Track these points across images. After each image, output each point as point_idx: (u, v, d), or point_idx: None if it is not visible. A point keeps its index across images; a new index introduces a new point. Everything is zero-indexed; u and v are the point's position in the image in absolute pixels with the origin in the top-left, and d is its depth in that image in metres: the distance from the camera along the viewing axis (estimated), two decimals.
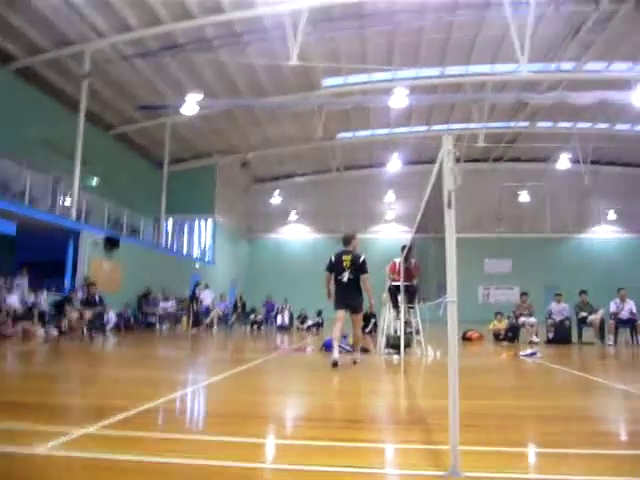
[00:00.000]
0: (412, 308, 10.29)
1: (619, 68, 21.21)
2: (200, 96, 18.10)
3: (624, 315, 12.95)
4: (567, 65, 21.34)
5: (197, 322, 19.26)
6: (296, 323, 20.86)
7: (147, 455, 2.94)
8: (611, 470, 2.82)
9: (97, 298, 13.38)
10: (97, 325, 13.75)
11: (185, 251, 28.82)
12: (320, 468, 2.79)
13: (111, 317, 16.13)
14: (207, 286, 20.86)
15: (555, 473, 2.83)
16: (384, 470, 2.87)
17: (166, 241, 26.80)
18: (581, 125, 27.95)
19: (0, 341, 11.33)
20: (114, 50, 18.27)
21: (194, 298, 19.65)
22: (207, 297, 19.65)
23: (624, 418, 4.57)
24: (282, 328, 19.94)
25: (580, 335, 13.44)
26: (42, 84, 18.84)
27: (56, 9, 15.79)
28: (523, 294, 14.66)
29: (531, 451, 3.35)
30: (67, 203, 18.37)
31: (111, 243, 18.61)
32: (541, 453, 3.32)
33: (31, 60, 17.85)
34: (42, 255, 18.19)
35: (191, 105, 18.14)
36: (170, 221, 27.96)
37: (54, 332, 13.62)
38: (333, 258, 7.77)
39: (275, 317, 20.98)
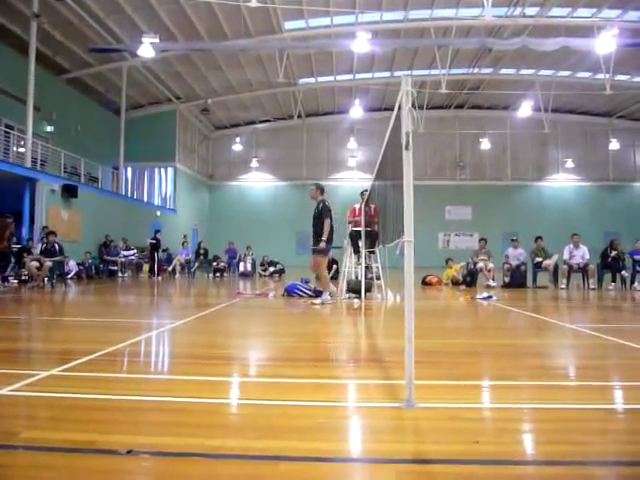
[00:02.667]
0: (372, 253, 10.45)
1: (583, 14, 21.21)
2: (156, 39, 17.42)
3: (577, 260, 13.46)
4: (531, 10, 21.24)
5: (159, 270, 19.21)
6: (259, 270, 20.96)
7: (112, 394, 3.00)
8: (556, 399, 3.01)
9: (57, 247, 13.13)
10: (58, 274, 13.56)
11: (146, 199, 28.37)
12: (284, 402, 2.90)
13: (72, 266, 15.93)
14: (185, 237, 20.80)
15: (504, 402, 3.01)
16: (345, 403, 3.00)
17: (126, 189, 26.29)
18: (543, 72, 28.11)
19: None
20: None
21: (155, 246, 19.53)
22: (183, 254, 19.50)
23: (573, 354, 4.84)
24: (245, 275, 20.01)
25: (535, 279, 13.93)
26: None
27: None
28: (481, 240, 15.03)
29: (482, 384, 3.53)
30: (21, 150, 17.77)
31: (69, 192, 18.19)
32: (491, 385, 3.52)
33: None
34: None
35: (147, 48, 17.46)
36: (129, 169, 27.37)
37: (14, 282, 13.42)
38: None
39: (238, 264, 21.00)
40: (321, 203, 8.81)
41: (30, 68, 17.18)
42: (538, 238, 14.40)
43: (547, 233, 16.54)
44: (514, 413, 2.78)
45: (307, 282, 10.84)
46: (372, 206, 9.80)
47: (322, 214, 8.67)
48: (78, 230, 18.73)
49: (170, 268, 19.04)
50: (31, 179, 17.00)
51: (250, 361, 4.40)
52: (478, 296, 10.27)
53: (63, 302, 10.11)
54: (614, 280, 13.60)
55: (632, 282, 13.33)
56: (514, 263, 13.80)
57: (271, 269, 20.66)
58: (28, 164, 17.02)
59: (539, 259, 14.03)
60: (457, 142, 34.12)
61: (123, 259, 19.08)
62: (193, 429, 2.45)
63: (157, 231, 20.64)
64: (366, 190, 9.99)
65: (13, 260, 14.41)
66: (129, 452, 2.09)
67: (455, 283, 14.21)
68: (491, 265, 13.92)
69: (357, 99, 28.81)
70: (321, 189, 9.04)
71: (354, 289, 9.85)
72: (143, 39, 17.45)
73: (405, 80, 2.87)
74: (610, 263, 13.73)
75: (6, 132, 17.21)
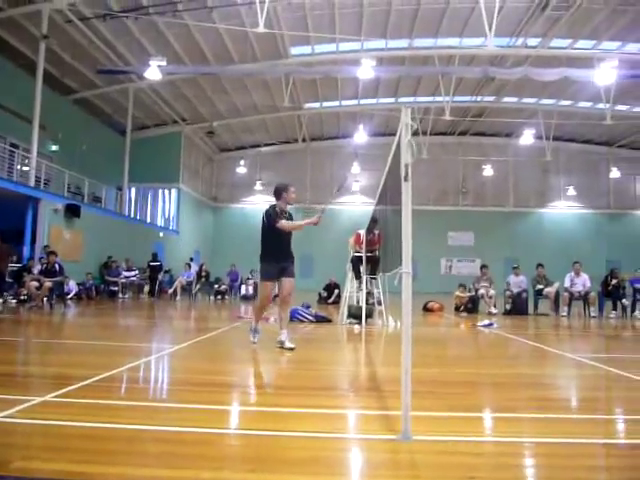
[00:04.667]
0: (374, 279, 10.44)
1: (583, 46, 21.49)
2: (164, 62, 17.65)
3: (578, 288, 13.42)
4: (533, 41, 21.52)
5: (159, 291, 19.17)
6: None
7: (106, 422, 2.98)
8: (556, 432, 2.98)
9: (57, 267, 13.12)
10: (57, 294, 13.54)
11: (149, 220, 28.44)
12: (279, 433, 2.88)
13: (72, 286, 15.89)
14: (192, 259, 20.82)
15: (502, 435, 2.99)
16: (341, 435, 2.97)
17: (129, 210, 26.38)
18: (545, 101, 28.36)
19: None
20: (73, 10, 17.59)
21: (156, 268, 19.54)
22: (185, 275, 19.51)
23: (574, 385, 4.81)
24: (246, 298, 19.94)
25: (536, 307, 13.89)
26: None
27: None
28: (483, 266, 15.00)
29: (481, 415, 3.50)
30: (25, 168, 17.90)
31: (72, 211, 18.24)
32: (489, 417, 3.49)
33: None
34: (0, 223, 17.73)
35: (154, 70, 17.68)
36: (133, 190, 27.50)
37: (12, 302, 13.40)
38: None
39: (239, 287, 20.96)
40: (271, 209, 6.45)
41: (37, 88, 17.35)
42: (539, 265, 14.38)
43: (548, 260, 16.50)
44: (512, 447, 2.76)
45: (309, 307, 10.82)
46: (376, 232, 9.81)
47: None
48: (79, 250, 18.74)
49: (171, 290, 19.00)
50: (34, 198, 17.06)
51: (247, 389, 4.37)
52: (479, 323, 10.23)
53: (61, 324, 10.07)
54: (615, 308, 13.57)
55: (633, 310, 13.29)
56: (515, 290, 13.76)
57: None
58: (32, 183, 17.11)
59: (540, 286, 13.99)
60: (460, 168, 34.26)
61: (124, 280, 19.05)
62: (187, 460, 2.43)
63: (155, 254, 20.65)
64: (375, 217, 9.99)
65: (11, 280, 14.43)
66: None
67: (457, 309, 14.15)
68: (492, 292, 13.89)
69: (361, 124, 29.03)
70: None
71: (355, 314, 9.82)
72: (150, 62, 17.69)
73: (405, 112, 2.90)
74: (611, 291, 13.72)
75: (11, 151, 17.33)
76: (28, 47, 18.59)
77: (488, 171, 32.52)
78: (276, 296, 7.10)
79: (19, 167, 17.76)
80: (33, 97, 17.25)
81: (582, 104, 27.98)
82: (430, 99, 27.96)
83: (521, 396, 4.02)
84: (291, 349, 6.08)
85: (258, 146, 34.45)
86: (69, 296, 15.27)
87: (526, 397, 3.98)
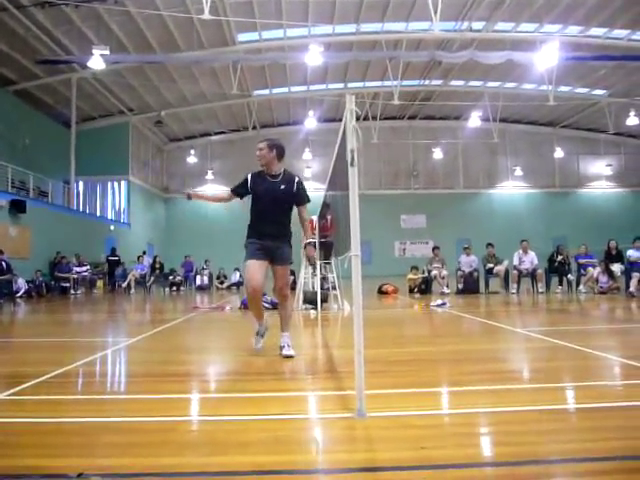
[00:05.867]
0: (328, 264, 10.55)
1: (526, 29, 22.03)
2: (107, 50, 17.20)
3: (526, 265, 13.89)
4: (478, 25, 21.93)
5: (113, 285, 18.87)
6: (215, 283, 20.81)
7: (64, 416, 2.97)
8: (509, 402, 3.13)
9: (4, 265, 12.75)
10: (6, 293, 13.15)
11: (99, 213, 27.79)
12: (238, 417, 2.94)
13: (21, 284, 15.46)
14: (144, 253, 20.53)
15: (452, 408, 3.13)
16: (299, 415, 3.05)
17: (78, 204, 25.69)
18: (491, 84, 29.00)
19: None
20: None
21: (116, 262, 19.30)
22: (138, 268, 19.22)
23: (523, 357, 5.03)
24: (202, 288, 19.82)
25: (487, 285, 14.31)
26: None
27: None
28: (435, 248, 15.34)
29: (433, 390, 3.64)
30: None
31: (17, 207, 17.68)
32: (442, 392, 3.64)
33: None
34: None
35: (98, 60, 17.21)
36: (81, 183, 26.77)
37: None
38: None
39: (194, 277, 20.80)
40: (290, 176, 5.00)
41: None
42: (489, 245, 14.79)
43: (498, 239, 17.00)
44: (463, 418, 2.89)
45: (264, 294, 10.82)
46: (328, 217, 9.90)
47: (302, 196, 5.05)
48: (27, 247, 18.20)
49: (125, 284, 18.68)
50: None
51: (205, 377, 4.41)
52: (432, 304, 10.48)
53: (12, 322, 9.81)
54: (561, 283, 14.14)
55: (577, 285, 13.88)
56: (467, 270, 14.13)
57: (228, 281, 20.58)
58: None
59: (490, 265, 14.41)
60: (411, 152, 34.70)
61: (76, 275, 18.62)
62: (147, 449, 2.46)
63: (114, 248, 20.27)
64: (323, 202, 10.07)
65: None
66: (79, 475, 2.08)
67: (411, 291, 14.43)
68: (445, 272, 14.22)
69: (311, 110, 29.06)
70: (280, 149, 4.98)
71: (310, 300, 9.92)
72: (93, 50, 17.22)
73: (349, 99, 2.97)
74: (557, 267, 14.29)
75: None
76: None
77: (438, 154, 33.08)
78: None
79: None
80: None
81: (526, 86, 28.80)
82: (379, 84, 28.19)
83: (473, 370, 4.17)
84: (289, 357, 4.72)
85: (208, 135, 34.03)
86: (18, 294, 14.86)
87: (478, 371, 4.14)
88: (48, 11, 17.87)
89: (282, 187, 4.90)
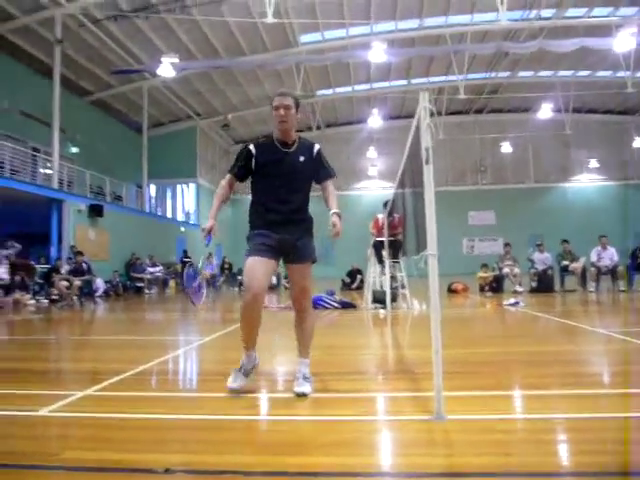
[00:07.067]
0: (397, 263, 10.44)
1: (600, 14, 21.04)
2: (176, 58, 17.77)
3: (605, 262, 13.25)
4: (547, 12, 21.12)
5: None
6: (283, 282, 21.03)
7: (146, 412, 3.07)
8: (589, 408, 2.98)
9: (85, 266, 13.39)
10: (86, 293, 13.80)
11: (170, 215, 28.73)
12: (314, 417, 2.94)
13: (100, 284, 16.18)
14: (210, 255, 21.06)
15: (535, 412, 3.00)
16: (375, 417, 3.02)
17: (150, 206, 26.67)
18: (562, 73, 27.82)
19: None
20: (85, 14, 17.75)
21: (187, 264, 19.77)
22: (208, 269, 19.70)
23: (605, 360, 4.78)
24: (270, 288, 20.10)
25: (563, 283, 13.76)
26: (14, 52, 18.34)
27: None
28: (506, 245, 14.89)
29: (513, 393, 3.52)
30: (48, 171, 18.19)
31: (95, 211, 18.52)
32: (522, 395, 3.51)
33: (1, 28, 17.35)
34: (26, 226, 18.07)
35: (167, 67, 17.82)
36: (152, 186, 27.77)
37: (44, 301, 13.71)
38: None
39: None
40: (309, 144, 3.92)
41: (55, 92, 17.57)
42: (564, 241, 14.23)
43: (573, 235, 16.30)
44: (546, 424, 2.77)
45: (333, 294, 10.87)
46: (396, 216, 9.80)
47: (327, 169, 3.89)
48: (105, 248, 19.04)
49: (196, 284, 19.16)
50: (58, 200, 17.34)
51: (279, 376, 4.44)
52: (505, 302, 10.19)
53: (92, 321, 10.29)
54: None
55: None
56: (541, 267, 13.64)
57: None
58: (55, 185, 17.39)
59: (566, 262, 13.84)
60: (478, 147, 33.90)
61: (149, 276, 19.32)
62: (229, 446, 2.50)
63: (185, 250, 20.86)
64: (388, 200, 9.97)
65: (41, 281, 14.79)
66: (167, 471, 2.14)
67: (482, 287, 14.09)
68: (517, 270, 13.77)
69: (375, 108, 28.89)
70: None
71: (379, 299, 9.85)
72: (162, 59, 17.83)
73: (423, 96, 2.91)
74: None
75: (33, 155, 17.62)
76: (43, 52, 18.83)
77: (507, 148, 32.13)
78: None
79: (42, 170, 18.05)
80: (51, 101, 17.49)
81: (601, 73, 27.41)
82: (443, 78, 27.69)
83: (553, 372, 4.01)
84: (303, 395, 3.37)
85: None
86: (97, 294, 15.55)
87: (558, 373, 3.97)
88: (120, 24, 18.68)
89: (301, 159, 3.72)
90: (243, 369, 3.67)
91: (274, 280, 20.38)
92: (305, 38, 22.63)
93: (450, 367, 3.74)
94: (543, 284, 13.39)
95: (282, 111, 3.63)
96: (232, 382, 3.53)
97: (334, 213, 3.60)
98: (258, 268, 3.49)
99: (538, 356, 4.80)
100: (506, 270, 13.80)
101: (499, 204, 32.91)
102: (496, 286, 13.80)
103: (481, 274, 14.36)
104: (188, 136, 28.83)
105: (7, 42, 17.91)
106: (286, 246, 3.60)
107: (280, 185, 3.63)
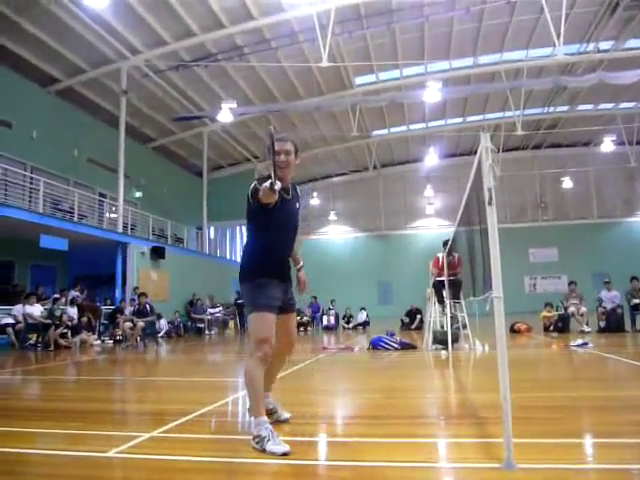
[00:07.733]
0: (458, 302, 10.23)
1: None
2: (234, 104, 18.43)
3: None
4: (606, 44, 20.76)
5: (243, 326, 19.59)
6: (342, 322, 20.95)
7: (209, 456, 3.08)
8: None
9: (148, 308, 13.77)
10: (149, 333, 14.15)
11: (229, 257, 29.29)
12: (377, 464, 2.87)
13: (163, 325, 16.58)
14: None
15: (610, 463, 2.84)
16: (440, 464, 2.92)
17: (210, 248, 27.30)
18: (624, 105, 27.11)
19: (60, 351, 11.82)
20: (149, 65, 18.76)
21: (242, 305, 20.05)
22: None
23: None
24: (328, 328, 20.03)
25: (634, 323, 13.07)
26: (82, 103, 19.56)
27: (92, 31, 16.32)
28: (571, 283, 14.36)
29: (585, 442, 3.34)
30: (113, 215, 19.01)
31: (157, 253, 19.13)
32: (595, 443, 3.31)
33: (71, 81, 18.55)
34: (93, 268, 18.84)
35: (226, 113, 18.50)
36: (212, 228, 28.49)
37: (109, 342, 14.14)
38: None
39: (321, 318, 21.11)
40: (296, 189, 3.84)
41: (120, 139, 18.53)
42: (634, 278, 13.59)
43: None
44: (618, 475, 2.61)
45: (393, 335, 10.73)
46: (455, 255, 9.66)
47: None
48: (166, 290, 19.55)
49: None
50: (123, 243, 18.06)
51: (338, 419, 4.38)
52: (572, 343, 9.77)
53: (156, 362, 10.49)
54: None
55: None
56: (609, 306, 13.05)
57: (355, 321, 20.67)
58: (120, 229, 18.12)
59: (636, 301, 13.18)
60: (537, 182, 33.20)
61: (209, 316, 19.64)
62: None
63: (238, 291, 21.14)
64: (448, 240, 9.85)
65: (106, 322, 15.34)
66: None
67: (546, 327, 13.59)
68: (584, 309, 13.22)
69: (431, 147, 28.88)
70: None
71: (441, 340, 9.63)
72: (222, 105, 18.51)
73: (484, 136, 2.90)
74: None
75: (100, 200, 18.50)
76: (109, 102, 19.99)
77: (567, 183, 31.35)
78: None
79: (108, 215, 18.88)
80: (117, 148, 18.39)
81: None
82: (500, 115, 27.46)
83: (624, 420, 3.79)
84: (285, 420, 3.82)
85: (329, 177, 34.86)
86: (160, 334, 15.90)
87: (629, 421, 3.75)
88: (181, 73, 19.61)
89: (297, 206, 3.69)
90: (259, 424, 3.21)
91: (332, 321, 20.40)
92: (360, 80, 23.05)
93: (517, 412, 3.59)
94: (612, 324, 12.77)
95: (283, 156, 3.61)
96: (278, 447, 3.04)
97: (302, 267, 3.82)
98: (272, 325, 3.41)
99: (610, 401, 4.55)
100: (572, 309, 13.27)
101: (561, 241, 31.93)
102: (562, 326, 13.28)
103: (545, 313, 13.88)
104: (246, 178, 29.33)
105: (76, 94, 19.12)
106: (285, 295, 3.58)
107: (284, 231, 3.58)
